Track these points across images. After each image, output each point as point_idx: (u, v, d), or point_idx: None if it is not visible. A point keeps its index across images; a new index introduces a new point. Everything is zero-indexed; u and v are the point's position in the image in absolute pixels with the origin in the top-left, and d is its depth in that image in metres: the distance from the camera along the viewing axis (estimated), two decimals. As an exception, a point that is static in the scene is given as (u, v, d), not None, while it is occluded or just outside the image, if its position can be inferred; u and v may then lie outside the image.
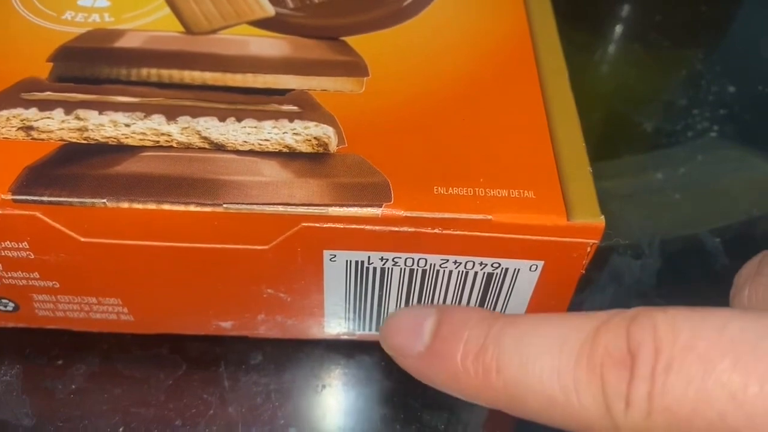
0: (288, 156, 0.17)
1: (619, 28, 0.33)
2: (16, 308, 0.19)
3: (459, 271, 0.18)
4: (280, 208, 0.16)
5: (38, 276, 0.18)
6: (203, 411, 0.19)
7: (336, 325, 0.20)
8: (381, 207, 0.16)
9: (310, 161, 0.17)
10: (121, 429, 0.19)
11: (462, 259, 0.17)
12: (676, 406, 0.12)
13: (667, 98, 0.30)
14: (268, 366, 0.20)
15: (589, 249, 0.17)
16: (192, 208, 0.16)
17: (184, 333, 0.20)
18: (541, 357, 0.13)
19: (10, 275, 0.18)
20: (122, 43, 0.20)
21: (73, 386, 0.20)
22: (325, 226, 0.17)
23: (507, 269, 0.18)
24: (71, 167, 0.17)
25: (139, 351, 0.20)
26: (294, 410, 0.20)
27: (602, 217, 0.17)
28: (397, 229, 0.17)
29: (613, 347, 0.13)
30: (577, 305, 0.22)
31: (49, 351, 0.20)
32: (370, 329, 0.20)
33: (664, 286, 0.23)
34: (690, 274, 0.24)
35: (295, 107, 0.19)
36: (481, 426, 0.20)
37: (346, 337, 0.21)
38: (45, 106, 0.18)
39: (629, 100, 0.30)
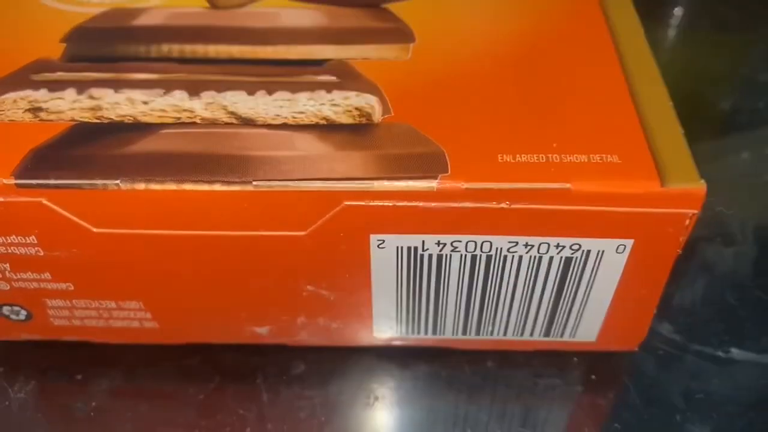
0: (327, 128, 0.15)
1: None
2: (29, 316, 0.17)
3: (531, 256, 0.15)
4: (319, 184, 0.14)
5: (50, 277, 0.16)
6: (239, 428, 0.17)
7: (387, 328, 0.18)
8: (436, 179, 0.14)
9: (352, 133, 0.15)
10: (145, 451, 0.17)
11: (534, 240, 0.15)
12: None
13: (746, 74, 0.27)
14: (311, 377, 0.18)
15: (687, 221, 0.14)
16: (217, 187, 0.14)
17: (216, 342, 0.18)
18: None
19: (19, 276, 0.16)
20: (141, 21, 0.18)
21: (94, 404, 0.17)
22: (371, 204, 0.14)
23: (589, 252, 0.15)
24: (81, 148, 0.15)
25: (167, 363, 0.18)
26: (342, 426, 0.17)
27: (702, 180, 0.14)
28: (456, 204, 0.14)
29: None
30: (664, 299, 0.19)
31: (68, 365, 0.18)
32: (425, 333, 0.18)
33: (762, 275, 0.20)
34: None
35: (334, 77, 0.16)
36: (560, 442, 0.17)
37: (398, 342, 0.18)
38: (56, 86, 0.16)
39: (704, 78, 0.27)
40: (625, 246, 0.15)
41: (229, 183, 0.14)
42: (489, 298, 0.16)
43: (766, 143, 0.24)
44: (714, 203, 0.22)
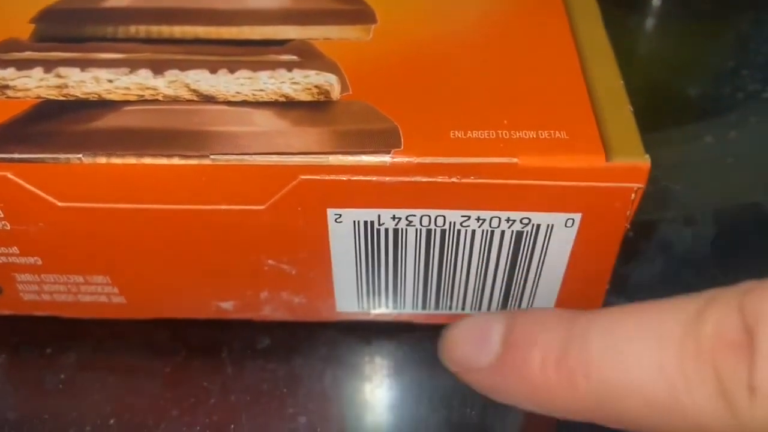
0: (285, 105, 0.16)
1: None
2: (-1, 291, 0.18)
3: (483, 230, 0.16)
4: (275, 158, 0.14)
5: (18, 251, 0.16)
6: (203, 399, 0.17)
7: (349, 303, 0.18)
8: (390, 154, 0.14)
9: (309, 110, 0.15)
10: (112, 421, 0.17)
11: (486, 214, 0.15)
12: None
13: (714, 61, 0.27)
14: (276, 351, 0.18)
15: (633, 196, 0.15)
16: (176, 161, 0.14)
17: (183, 317, 0.19)
18: (637, 352, 0.11)
19: (-13, 250, 0.16)
20: (110, 2, 0.18)
21: (63, 376, 0.18)
22: (326, 178, 0.15)
23: (539, 226, 0.15)
24: (46, 124, 0.15)
25: (136, 338, 0.19)
26: (305, 398, 0.17)
27: (647, 156, 0.14)
28: (409, 179, 0.15)
29: (724, 327, 0.11)
30: (623, 278, 0.19)
31: (38, 339, 0.19)
32: (386, 307, 0.18)
33: (719, 256, 0.21)
34: (746, 241, 0.21)
35: (295, 57, 0.17)
36: (520, 415, 0.17)
37: (361, 317, 0.19)
38: (23, 65, 0.17)
39: (672, 65, 0.27)
40: (573, 220, 0.15)
41: (186, 157, 0.14)
42: (446, 273, 0.17)
43: (729, 128, 0.24)
44: (676, 183, 0.23)
